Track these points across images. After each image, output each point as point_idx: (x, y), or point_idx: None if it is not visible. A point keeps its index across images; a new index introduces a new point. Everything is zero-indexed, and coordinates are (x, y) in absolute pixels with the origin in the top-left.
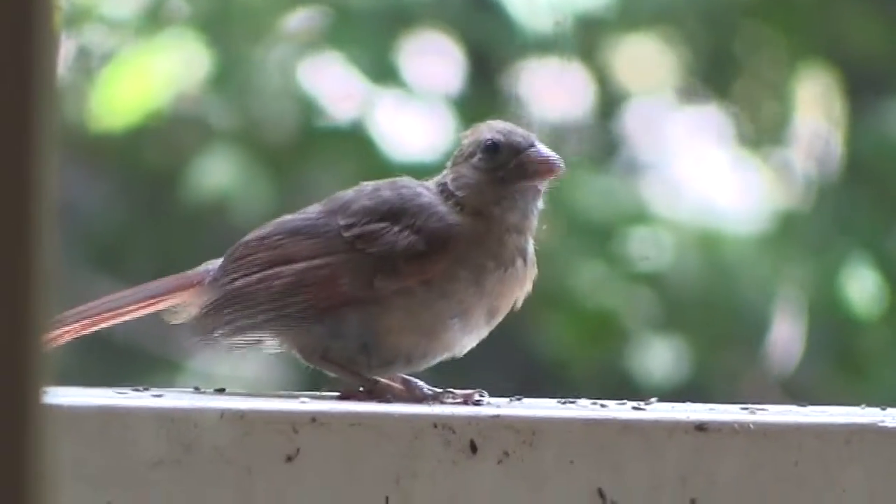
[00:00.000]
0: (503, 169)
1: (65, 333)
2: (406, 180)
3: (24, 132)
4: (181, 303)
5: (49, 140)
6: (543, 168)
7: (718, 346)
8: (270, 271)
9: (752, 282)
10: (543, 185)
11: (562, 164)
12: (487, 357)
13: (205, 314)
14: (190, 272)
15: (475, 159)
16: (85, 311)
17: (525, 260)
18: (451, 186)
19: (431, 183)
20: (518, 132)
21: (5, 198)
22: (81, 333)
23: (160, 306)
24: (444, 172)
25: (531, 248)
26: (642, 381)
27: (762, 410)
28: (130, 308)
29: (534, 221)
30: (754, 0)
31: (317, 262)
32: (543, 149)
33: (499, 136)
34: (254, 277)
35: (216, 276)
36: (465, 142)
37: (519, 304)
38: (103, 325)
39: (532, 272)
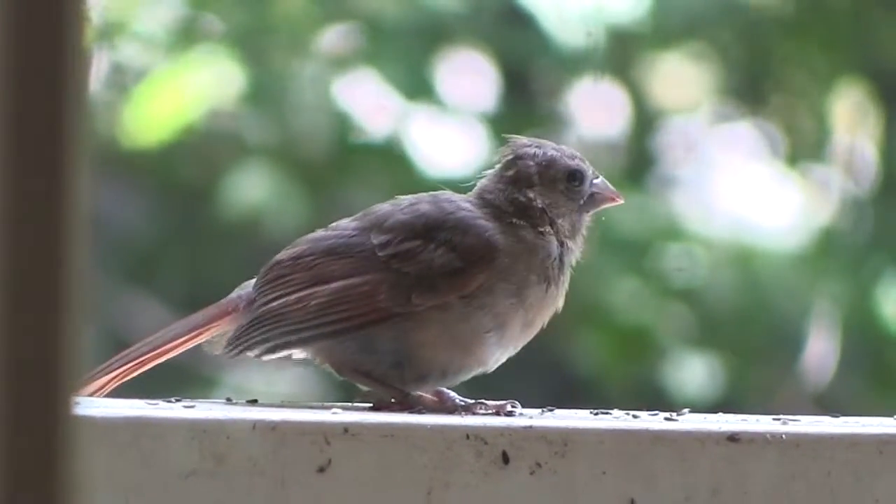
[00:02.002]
0: (583, 197)
1: (112, 380)
2: (448, 194)
3: (57, 147)
4: (220, 331)
5: (82, 155)
6: (612, 197)
7: (752, 361)
8: (306, 292)
9: (786, 297)
10: None
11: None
12: (521, 372)
13: (240, 333)
14: (224, 300)
15: (561, 185)
16: (128, 354)
17: (565, 279)
18: (548, 212)
19: (473, 197)
20: (581, 157)
21: (40, 211)
22: (129, 377)
23: (201, 338)
24: (493, 186)
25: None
26: (676, 397)
27: (794, 421)
28: (173, 344)
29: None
30: (789, 15)
31: (353, 280)
32: (603, 178)
33: (582, 165)
34: (291, 298)
35: (251, 299)
36: (533, 162)
37: (546, 323)
38: (150, 365)
39: (564, 290)
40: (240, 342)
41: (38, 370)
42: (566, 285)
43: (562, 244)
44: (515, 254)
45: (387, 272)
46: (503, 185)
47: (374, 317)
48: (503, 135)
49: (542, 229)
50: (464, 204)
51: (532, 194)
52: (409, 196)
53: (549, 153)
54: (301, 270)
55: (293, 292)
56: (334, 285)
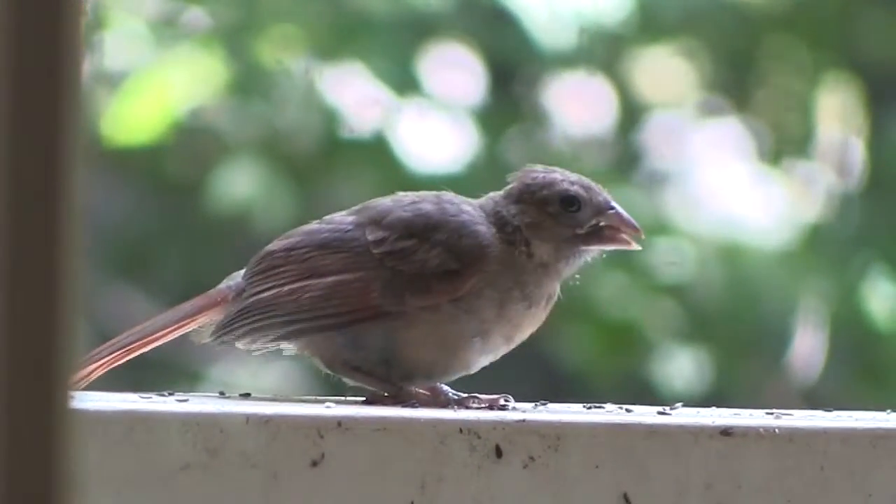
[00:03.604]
0: (582, 227)
1: (98, 366)
2: (451, 196)
3: (53, 142)
4: (208, 322)
5: (76, 151)
6: (625, 239)
7: (741, 356)
8: (299, 284)
9: (774, 293)
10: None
11: (642, 235)
12: (510, 368)
13: (229, 321)
14: (213, 290)
15: (552, 208)
16: (117, 342)
17: (549, 302)
18: (523, 230)
19: (477, 204)
20: (596, 189)
21: (35, 205)
22: (114, 364)
23: (188, 328)
24: (496, 200)
25: (557, 291)
26: (665, 392)
27: (787, 415)
28: (160, 334)
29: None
30: (775, 11)
31: (346, 276)
32: (624, 212)
33: (581, 192)
34: (283, 289)
35: (240, 289)
36: (531, 182)
37: (525, 337)
38: (136, 354)
39: (545, 314)
40: (227, 329)
41: (35, 364)
42: (549, 306)
43: (541, 266)
44: (504, 264)
45: (381, 270)
46: (500, 200)
47: (366, 313)
48: (493, 132)
49: (522, 250)
50: (465, 207)
51: (514, 209)
52: (412, 194)
53: (550, 176)
54: (294, 262)
55: (285, 284)
56: (328, 280)
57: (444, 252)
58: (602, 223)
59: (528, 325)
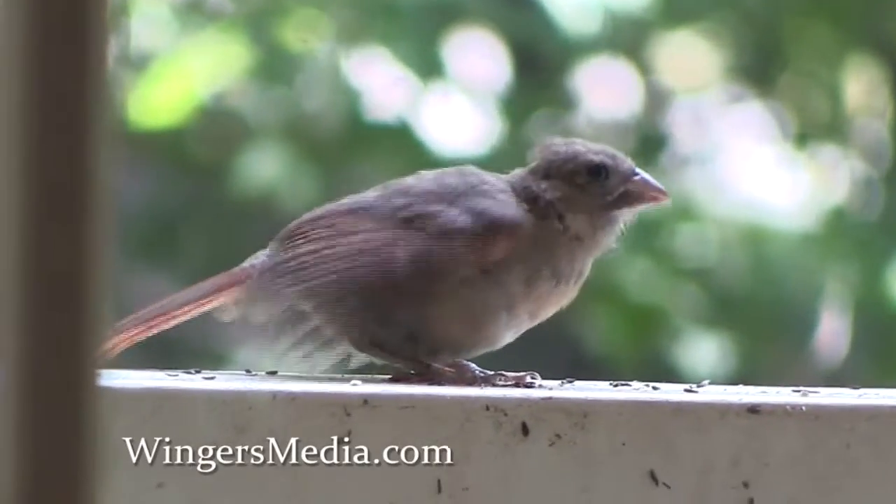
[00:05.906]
0: (611, 194)
1: (121, 341)
2: (473, 168)
3: (80, 125)
4: (230, 300)
5: (104, 134)
6: (654, 195)
7: (765, 341)
8: (325, 244)
9: (798, 278)
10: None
11: (669, 196)
12: (534, 351)
13: (259, 287)
14: (236, 268)
15: (580, 179)
16: (139, 316)
17: (579, 279)
18: (556, 205)
19: (505, 179)
20: (621, 157)
21: (66, 187)
22: (137, 339)
23: (211, 305)
24: (523, 176)
25: (588, 267)
26: (689, 376)
27: (814, 393)
28: (183, 310)
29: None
30: None
31: (374, 234)
32: (650, 177)
33: (607, 161)
34: (309, 248)
35: (264, 268)
36: (555, 157)
37: (549, 314)
38: (158, 329)
39: (576, 291)
40: (260, 297)
41: (62, 344)
42: (580, 283)
43: (576, 240)
44: (536, 240)
45: (408, 230)
46: (527, 176)
47: (394, 276)
48: (517, 117)
49: (556, 225)
50: (488, 178)
51: (544, 185)
52: (434, 171)
53: (574, 148)
54: (321, 228)
55: (311, 245)
56: (355, 237)
57: (471, 216)
58: (633, 188)
59: (555, 303)
